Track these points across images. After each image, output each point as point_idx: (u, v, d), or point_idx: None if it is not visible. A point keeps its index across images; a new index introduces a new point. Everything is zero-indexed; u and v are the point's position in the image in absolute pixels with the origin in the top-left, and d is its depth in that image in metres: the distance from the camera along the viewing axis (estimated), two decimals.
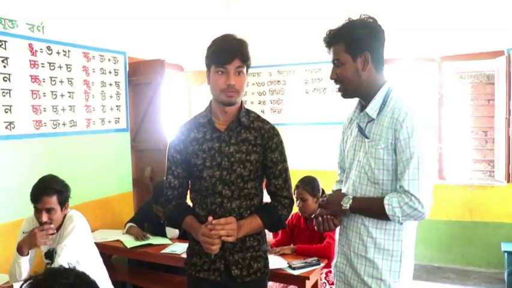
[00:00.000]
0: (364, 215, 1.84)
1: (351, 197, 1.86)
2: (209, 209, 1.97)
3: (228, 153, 1.94)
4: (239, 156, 1.94)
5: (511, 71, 4.63)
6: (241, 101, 2.02)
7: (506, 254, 4.48)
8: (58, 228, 2.69)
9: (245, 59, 1.92)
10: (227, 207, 1.94)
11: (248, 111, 2.05)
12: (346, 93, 1.92)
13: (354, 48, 1.84)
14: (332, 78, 1.92)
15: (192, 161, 1.98)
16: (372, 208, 1.81)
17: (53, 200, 2.59)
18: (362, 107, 1.94)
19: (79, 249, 2.62)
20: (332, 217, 1.89)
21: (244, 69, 1.93)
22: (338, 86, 1.92)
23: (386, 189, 1.81)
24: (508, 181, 4.75)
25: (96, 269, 2.75)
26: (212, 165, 1.95)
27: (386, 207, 1.73)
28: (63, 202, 2.65)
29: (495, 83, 5.16)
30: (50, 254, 2.73)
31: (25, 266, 2.55)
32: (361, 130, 1.91)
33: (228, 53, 1.88)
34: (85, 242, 2.72)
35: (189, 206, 2.09)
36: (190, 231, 2.04)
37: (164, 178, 2.08)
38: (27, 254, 2.56)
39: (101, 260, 2.89)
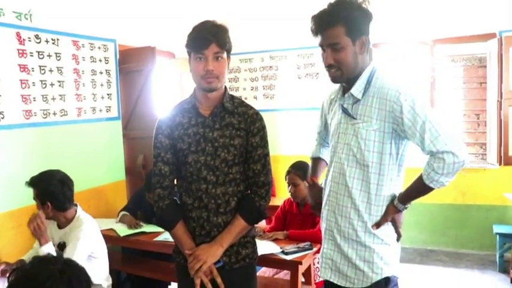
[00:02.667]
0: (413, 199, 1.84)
1: (396, 199, 1.84)
2: (195, 196, 1.98)
3: (212, 138, 1.95)
4: (223, 141, 1.94)
5: (502, 54, 4.62)
6: (225, 87, 2.02)
7: (498, 236, 4.52)
8: (66, 225, 2.78)
9: (222, 44, 1.90)
10: (212, 193, 1.95)
11: (232, 97, 2.05)
12: (341, 78, 1.87)
13: (354, 32, 1.79)
14: (328, 63, 1.84)
15: (178, 146, 1.98)
16: (418, 195, 1.82)
17: (37, 199, 2.72)
18: (345, 88, 1.92)
19: (85, 252, 2.66)
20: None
21: (224, 55, 1.92)
22: (332, 71, 1.85)
23: (375, 172, 1.81)
24: (500, 164, 4.78)
25: (100, 265, 2.82)
26: (197, 150, 1.95)
27: (432, 185, 1.73)
28: (45, 202, 2.69)
29: (487, 66, 5.15)
30: (62, 247, 2.76)
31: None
32: (346, 111, 1.89)
33: (205, 39, 1.88)
34: (92, 243, 2.74)
35: (180, 206, 2.05)
36: (176, 242, 2.05)
37: (153, 166, 2.05)
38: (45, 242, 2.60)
39: (106, 254, 2.91)
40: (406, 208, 1.85)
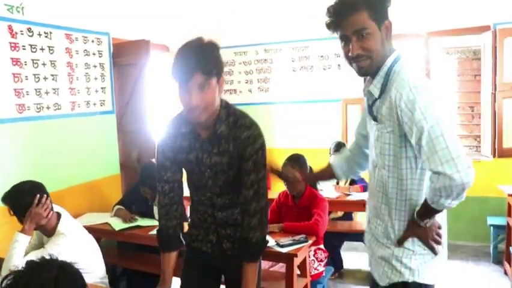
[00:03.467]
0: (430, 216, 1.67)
1: (415, 213, 1.69)
2: (200, 200, 2.02)
3: (210, 164, 1.91)
4: (221, 167, 1.90)
5: (497, 46, 4.63)
6: (221, 103, 1.86)
7: (491, 227, 4.56)
8: (50, 234, 2.66)
9: (208, 71, 1.70)
10: (217, 203, 1.99)
11: (228, 115, 1.87)
12: (370, 68, 1.69)
13: (378, 15, 1.64)
14: (355, 52, 1.65)
15: (181, 166, 2.01)
16: (431, 212, 1.64)
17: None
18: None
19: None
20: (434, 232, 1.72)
21: (212, 81, 1.73)
22: (360, 61, 1.67)
23: (393, 176, 1.69)
24: (494, 156, 4.80)
25: (93, 267, 2.74)
26: (200, 171, 1.95)
27: (435, 206, 1.58)
28: (21, 216, 2.60)
29: (481, 58, 5.17)
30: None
31: (22, 252, 2.52)
32: (369, 110, 1.77)
33: (186, 70, 1.69)
34: (68, 258, 2.62)
35: (178, 240, 2.09)
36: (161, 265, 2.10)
37: (157, 185, 2.07)
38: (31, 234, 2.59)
39: (99, 255, 2.85)
40: (429, 223, 1.68)
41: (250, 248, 1.92)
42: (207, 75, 1.70)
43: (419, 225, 1.68)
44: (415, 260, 1.72)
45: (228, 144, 1.86)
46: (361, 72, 1.73)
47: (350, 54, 1.68)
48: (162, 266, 2.07)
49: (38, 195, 2.56)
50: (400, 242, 1.73)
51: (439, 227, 1.73)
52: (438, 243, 1.72)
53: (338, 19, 1.67)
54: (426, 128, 1.50)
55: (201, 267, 2.09)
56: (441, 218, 1.76)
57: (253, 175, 1.87)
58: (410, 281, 1.72)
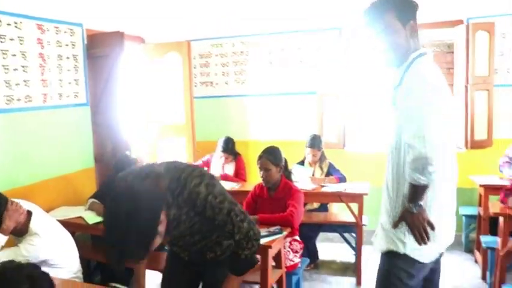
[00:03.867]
0: (421, 198, 1.82)
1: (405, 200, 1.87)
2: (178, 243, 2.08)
3: (175, 235, 1.94)
4: (184, 230, 1.89)
5: (469, 40, 4.70)
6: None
7: (464, 217, 4.65)
8: (22, 234, 2.62)
9: (144, 249, 1.59)
10: (190, 241, 1.99)
11: (172, 190, 1.77)
12: (394, 61, 1.97)
13: (403, 15, 1.92)
14: (381, 46, 1.95)
15: None
16: (414, 192, 1.81)
17: None
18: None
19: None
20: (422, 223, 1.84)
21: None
22: (386, 54, 1.97)
23: (398, 155, 1.92)
24: (467, 147, 4.89)
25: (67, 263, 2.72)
26: (171, 236, 1.95)
27: (407, 178, 1.81)
28: None
29: (455, 52, 5.24)
30: None
31: None
32: (392, 96, 2.01)
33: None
34: (41, 256, 2.55)
35: None
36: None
37: None
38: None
39: (74, 250, 2.84)
40: (414, 208, 1.82)
41: (239, 263, 1.96)
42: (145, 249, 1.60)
43: (408, 209, 1.84)
44: (409, 235, 1.89)
45: (181, 215, 1.82)
46: (386, 63, 2.01)
47: (377, 47, 1.96)
48: (137, 278, 2.20)
49: (9, 199, 2.54)
50: (395, 226, 1.91)
51: (430, 224, 1.85)
52: (422, 238, 1.85)
53: (370, 18, 1.97)
54: (412, 105, 1.77)
55: (181, 266, 2.17)
56: (436, 218, 1.89)
57: (219, 215, 1.83)
58: (401, 252, 1.92)
